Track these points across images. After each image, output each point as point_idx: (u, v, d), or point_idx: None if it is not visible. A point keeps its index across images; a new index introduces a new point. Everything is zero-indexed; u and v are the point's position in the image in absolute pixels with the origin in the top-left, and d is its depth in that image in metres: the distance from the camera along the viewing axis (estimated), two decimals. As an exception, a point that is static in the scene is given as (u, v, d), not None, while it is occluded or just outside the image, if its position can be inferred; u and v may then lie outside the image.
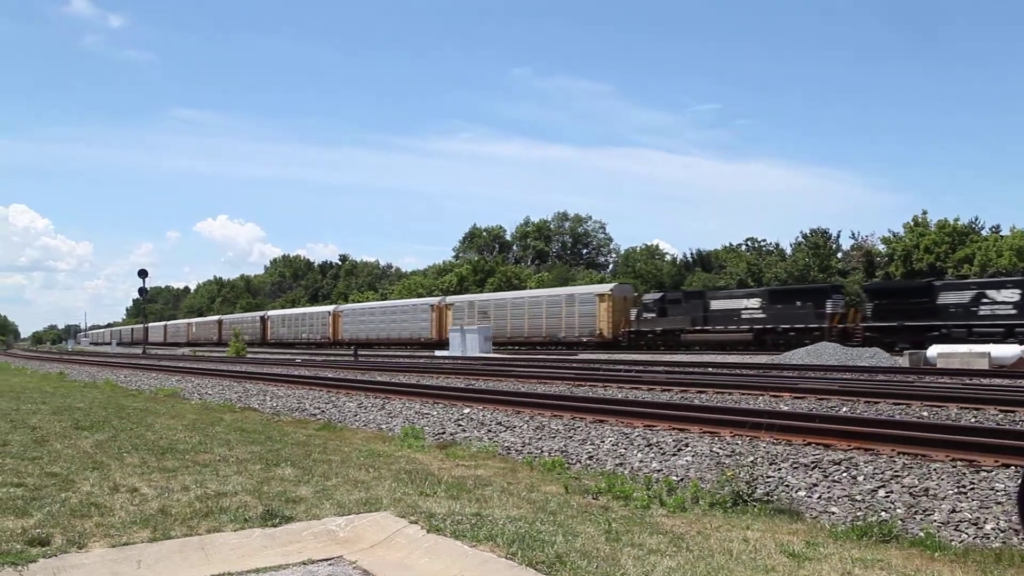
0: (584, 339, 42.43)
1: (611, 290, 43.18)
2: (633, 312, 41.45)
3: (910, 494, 6.09)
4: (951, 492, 6.03)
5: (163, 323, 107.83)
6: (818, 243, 56.82)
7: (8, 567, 3.98)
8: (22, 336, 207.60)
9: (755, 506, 5.80)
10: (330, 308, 66.64)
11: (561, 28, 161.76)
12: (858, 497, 6.17)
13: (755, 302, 36.34)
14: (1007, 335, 27.70)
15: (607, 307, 41.82)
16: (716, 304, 37.73)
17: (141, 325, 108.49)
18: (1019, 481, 4.05)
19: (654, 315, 39.82)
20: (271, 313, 75.13)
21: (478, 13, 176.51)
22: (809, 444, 7.81)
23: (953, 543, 5.00)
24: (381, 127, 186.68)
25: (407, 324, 55.62)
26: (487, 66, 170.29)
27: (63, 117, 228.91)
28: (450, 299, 55.14)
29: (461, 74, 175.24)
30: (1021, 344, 23.68)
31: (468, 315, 50.03)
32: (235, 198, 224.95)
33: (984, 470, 6.43)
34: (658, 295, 42.64)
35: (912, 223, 52.40)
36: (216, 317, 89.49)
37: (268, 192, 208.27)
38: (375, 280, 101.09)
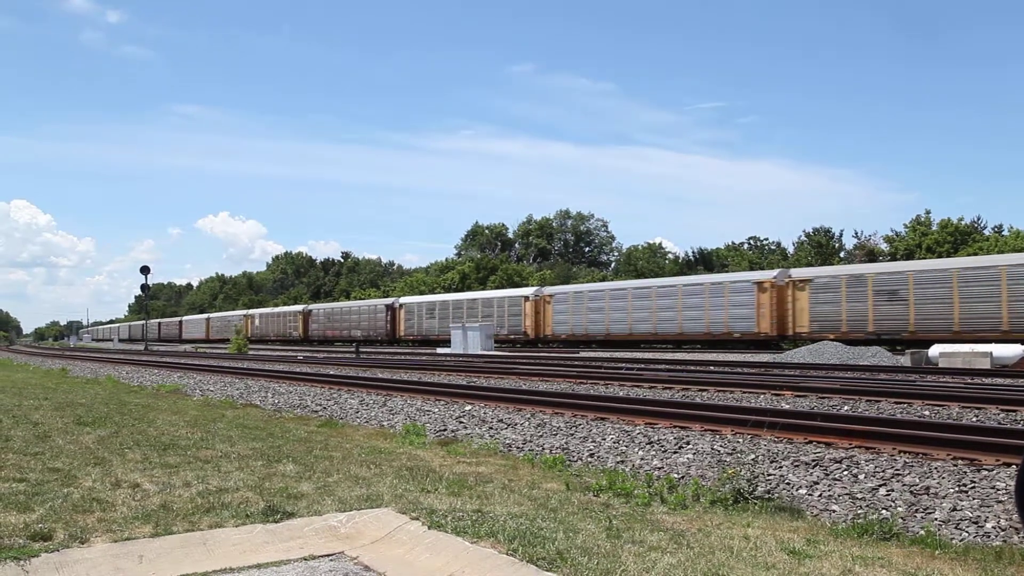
0: None
1: None
2: None
3: (911, 492, 6.09)
4: (952, 491, 6.02)
5: (205, 315, 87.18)
6: (821, 242, 56.77)
7: (11, 562, 3.99)
8: (24, 332, 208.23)
9: (756, 504, 5.80)
10: (528, 291, 45.86)
11: (563, 26, 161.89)
12: (859, 495, 6.17)
13: None
14: None
15: None
16: None
17: (173, 319, 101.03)
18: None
19: None
20: (405, 300, 55.79)
21: (480, 11, 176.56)
22: (810, 442, 7.81)
23: (954, 541, 5.00)
24: (383, 124, 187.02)
25: (700, 312, 34.97)
26: (489, 64, 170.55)
27: (63, 113, 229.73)
28: (802, 272, 33.90)
29: (463, 72, 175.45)
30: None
31: (851, 296, 30.21)
32: (236, 195, 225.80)
33: (985, 469, 6.43)
34: None
35: (915, 222, 52.40)
36: (299, 307, 68.67)
37: (269, 189, 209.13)
38: (377, 277, 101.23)
